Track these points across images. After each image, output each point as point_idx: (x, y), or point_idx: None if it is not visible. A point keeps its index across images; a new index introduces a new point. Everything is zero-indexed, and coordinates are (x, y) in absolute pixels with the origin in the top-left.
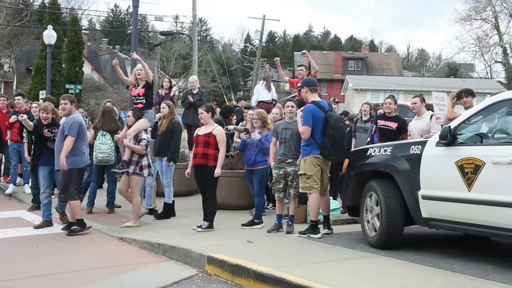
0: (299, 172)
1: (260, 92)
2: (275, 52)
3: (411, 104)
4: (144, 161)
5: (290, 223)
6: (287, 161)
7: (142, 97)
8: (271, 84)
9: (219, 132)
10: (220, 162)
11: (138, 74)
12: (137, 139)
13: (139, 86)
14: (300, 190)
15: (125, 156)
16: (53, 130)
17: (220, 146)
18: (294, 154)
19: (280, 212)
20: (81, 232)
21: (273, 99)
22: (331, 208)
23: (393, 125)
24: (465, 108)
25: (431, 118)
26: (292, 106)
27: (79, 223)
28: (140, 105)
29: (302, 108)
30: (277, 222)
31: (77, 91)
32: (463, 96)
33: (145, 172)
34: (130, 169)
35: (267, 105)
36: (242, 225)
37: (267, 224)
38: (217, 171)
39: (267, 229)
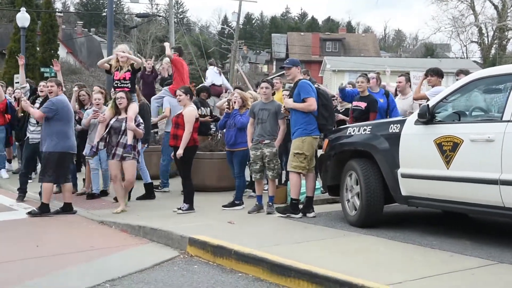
0: (296, 151)
1: (214, 76)
2: (252, 34)
3: (397, 82)
4: (139, 146)
5: (271, 204)
6: (264, 142)
7: (128, 81)
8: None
9: (187, 112)
10: (184, 143)
11: (121, 57)
12: (134, 123)
13: (122, 69)
14: (291, 169)
15: (129, 141)
16: None
17: (186, 127)
18: (271, 135)
19: (260, 193)
20: (38, 215)
21: (222, 84)
22: None
23: (363, 105)
24: (431, 87)
25: None
26: (266, 88)
27: (42, 207)
28: (126, 89)
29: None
30: (257, 203)
31: (52, 74)
32: (429, 75)
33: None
34: (131, 154)
35: (219, 88)
36: (223, 206)
37: (248, 205)
38: (179, 152)
39: (247, 210)
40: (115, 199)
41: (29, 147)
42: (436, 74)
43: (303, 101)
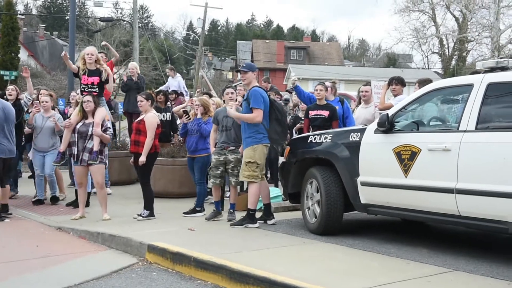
0: (247, 160)
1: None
2: (217, 40)
3: (363, 91)
4: (106, 150)
5: (232, 211)
6: (229, 148)
7: (95, 86)
8: None
9: (148, 118)
10: (146, 150)
11: (89, 59)
12: (101, 128)
13: (91, 73)
14: (244, 179)
15: (95, 147)
16: None
17: (147, 133)
18: (236, 142)
19: (217, 199)
20: None
21: None
22: (272, 196)
23: (325, 113)
24: (394, 96)
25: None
26: (232, 93)
27: None
28: (94, 94)
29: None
30: (215, 209)
31: (12, 77)
32: (393, 83)
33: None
34: (97, 160)
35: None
36: (184, 213)
37: (209, 212)
38: (141, 159)
39: (205, 217)
40: (69, 204)
41: None
42: (400, 83)
43: (252, 110)
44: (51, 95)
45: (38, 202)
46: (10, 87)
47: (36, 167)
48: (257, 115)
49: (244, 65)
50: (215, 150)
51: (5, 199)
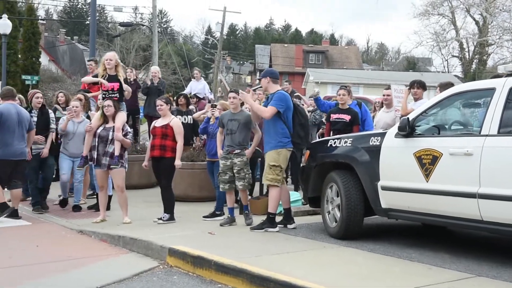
0: (272, 163)
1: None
2: (236, 44)
3: (384, 95)
4: (126, 154)
5: (247, 212)
6: (234, 152)
7: (116, 92)
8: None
9: (176, 123)
10: (179, 153)
11: (108, 64)
12: (122, 132)
13: (111, 79)
14: (267, 182)
15: (117, 151)
16: None
17: (177, 138)
18: (241, 145)
19: (231, 205)
20: None
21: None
22: (292, 200)
23: (347, 117)
24: (415, 100)
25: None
26: (234, 98)
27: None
28: (114, 99)
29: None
30: (229, 216)
31: (34, 82)
32: (415, 87)
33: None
34: (118, 165)
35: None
36: (204, 217)
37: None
38: (177, 163)
39: (220, 223)
40: (91, 207)
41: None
42: (422, 86)
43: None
44: (80, 99)
45: (63, 202)
46: (39, 94)
47: (63, 172)
48: (268, 111)
49: (262, 73)
50: (221, 155)
51: (16, 201)
